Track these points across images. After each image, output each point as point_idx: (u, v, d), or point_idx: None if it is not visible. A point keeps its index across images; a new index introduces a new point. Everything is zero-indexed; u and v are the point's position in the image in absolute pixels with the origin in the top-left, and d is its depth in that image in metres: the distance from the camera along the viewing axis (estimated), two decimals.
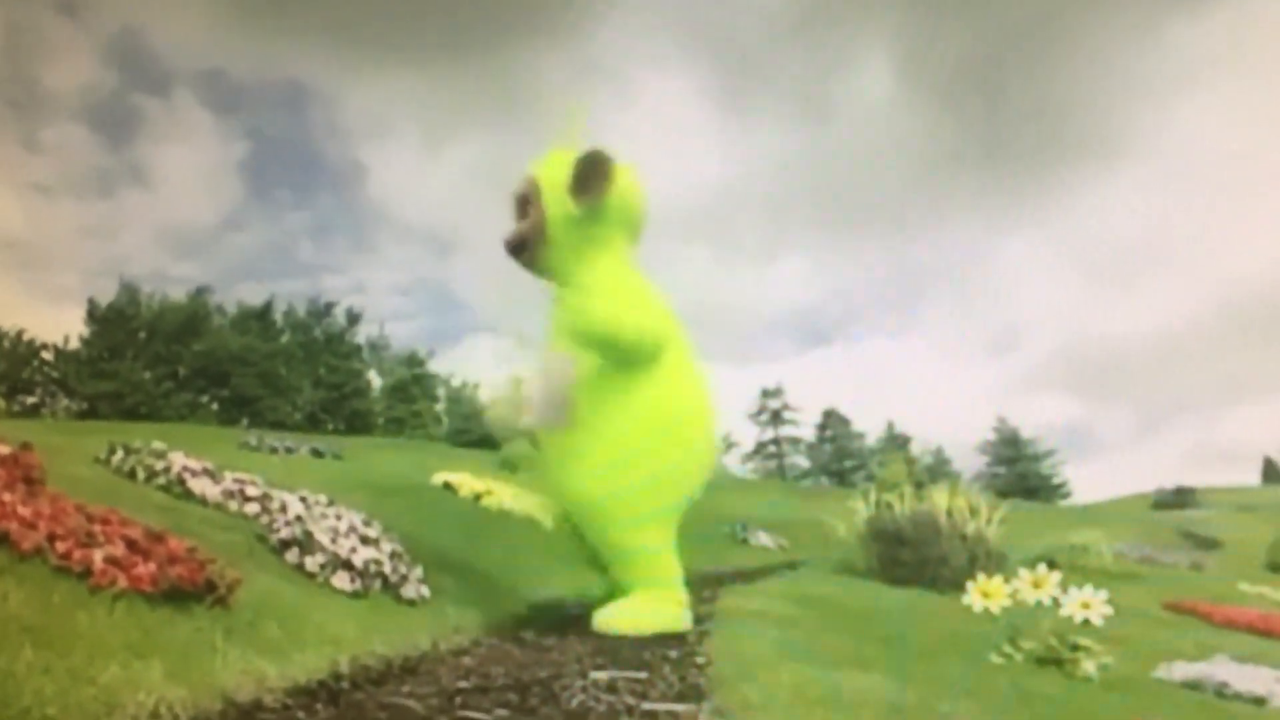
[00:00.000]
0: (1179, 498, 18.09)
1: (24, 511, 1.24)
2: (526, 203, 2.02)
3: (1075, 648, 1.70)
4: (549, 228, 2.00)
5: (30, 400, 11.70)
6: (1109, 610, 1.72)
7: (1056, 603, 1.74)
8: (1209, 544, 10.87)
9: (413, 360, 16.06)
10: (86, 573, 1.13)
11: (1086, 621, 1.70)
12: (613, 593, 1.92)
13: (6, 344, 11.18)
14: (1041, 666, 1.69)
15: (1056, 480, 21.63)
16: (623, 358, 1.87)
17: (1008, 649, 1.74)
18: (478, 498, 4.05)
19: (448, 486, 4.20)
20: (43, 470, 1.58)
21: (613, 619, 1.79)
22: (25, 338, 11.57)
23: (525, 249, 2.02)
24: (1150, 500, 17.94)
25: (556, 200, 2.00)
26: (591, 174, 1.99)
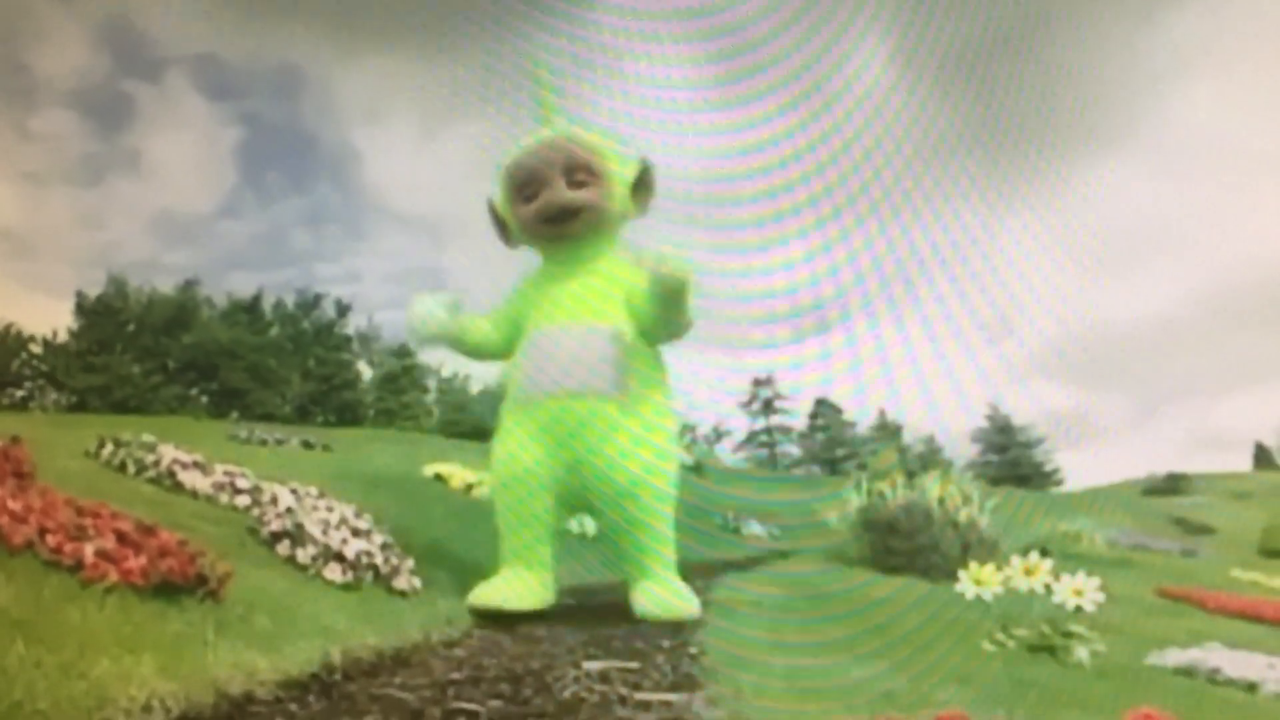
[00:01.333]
0: (1171, 484, 18.19)
1: (14, 505, 1.25)
2: (581, 170, 2.03)
3: (1067, 635, 1.75)
4: (607, 212, 2.06)
5: (19, 394, 11.80)
6: (1101, 597, 1.76)
7: (1049, 590, 1.79)
8: (1201, 530, 11.07)
9: (402, 351, 16.16)
10: (77, 566, 1.15)
11: (1079, 608, 1.74)
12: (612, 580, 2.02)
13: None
14: (1034, 654, 1.73)
15: (1049, 468, 21.89)
16: (670, 339, 1.96)
17: (1000, 636, 1.79)
18: (469, 489, 4.11)
19: (439, 478, 4.25)
20: (33, 464, 1.60)
21: (668, 605, 1.81)
22: (15, 330, 11.61)
23: (576, 219, 2.04)
24: (1142, 487, 18.03)
25: (621, 193, 2.07)
26: (651, 187, 2.09)
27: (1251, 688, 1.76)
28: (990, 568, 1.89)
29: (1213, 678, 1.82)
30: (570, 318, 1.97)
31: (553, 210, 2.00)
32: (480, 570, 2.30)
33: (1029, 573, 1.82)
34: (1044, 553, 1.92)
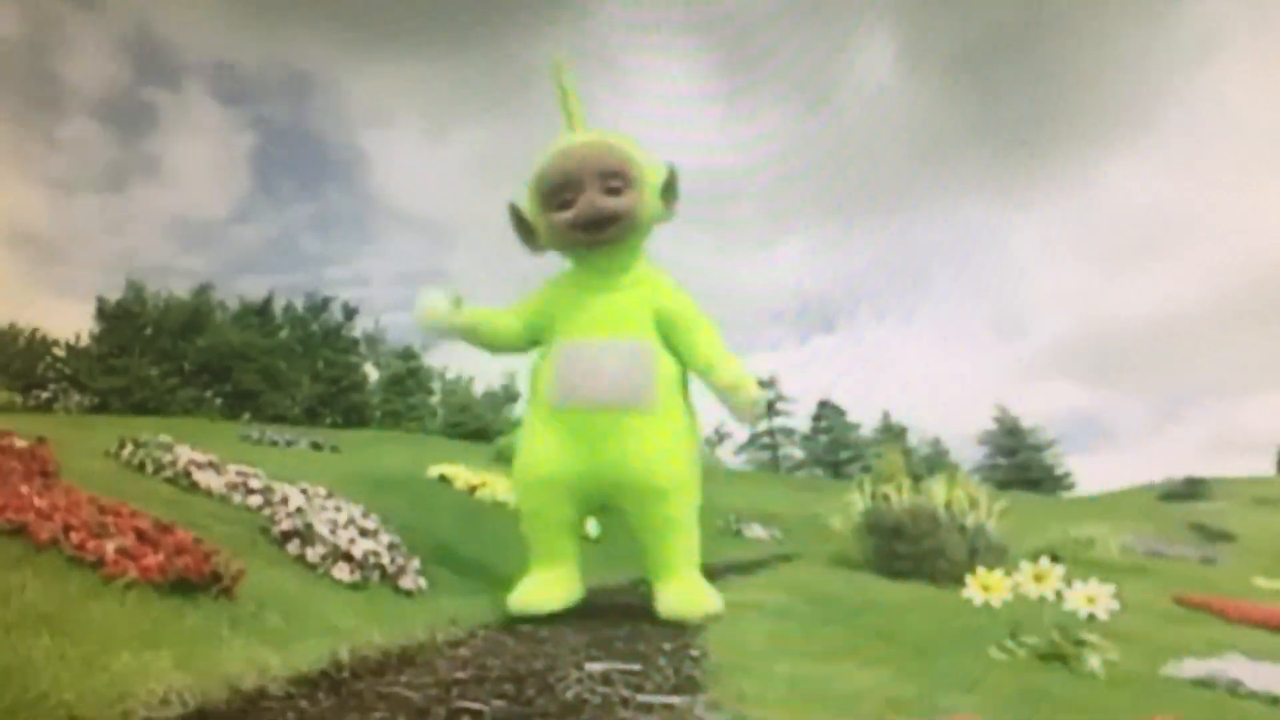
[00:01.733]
0: (1189, 489, 17.54)
1: (40, 503, 1.31)
2: (616, 176, 2.03)
3: (1080, 643, 1.70)
4: (640, 218, 2.06)
5: (45, 395, 12.19)
6: (1115, 605, 1.71)
7: (1060, 597, 1.74)
8: (1221, 537, 10.64)
9: (407, 354, 16.43)
10: (99, 563, 1.19)
11: (1091, 616, 1.70)
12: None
13: (22, 342, 11.76)
14: (1045, 662, 1.69)
15: (1059, 471, 21.26)
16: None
17: (1009, 644, 1.75)
18: (472, 490, 4.15)
19: (443, 479, 4.30)
20: (57, 463, 1.66)
21: (691, 604, 1.82)
22: (40, 335, 12.08)
23: (613, 226, 2.04)
24: (1158, 492, 17.35)
25: (652, 196, 2.08)
26: (677, 191, 2.10)
27: (1275, 701, 1.70)
28: (999, 573, 1.85)
29: (1234, 690, 1.76)
30: (605, 331, 1.98)
31: (588, 217, 1.99)
32: (485, 570, 2.32)
33: (1039, 579, 1.78)
34: (1054, 558, 1.87)
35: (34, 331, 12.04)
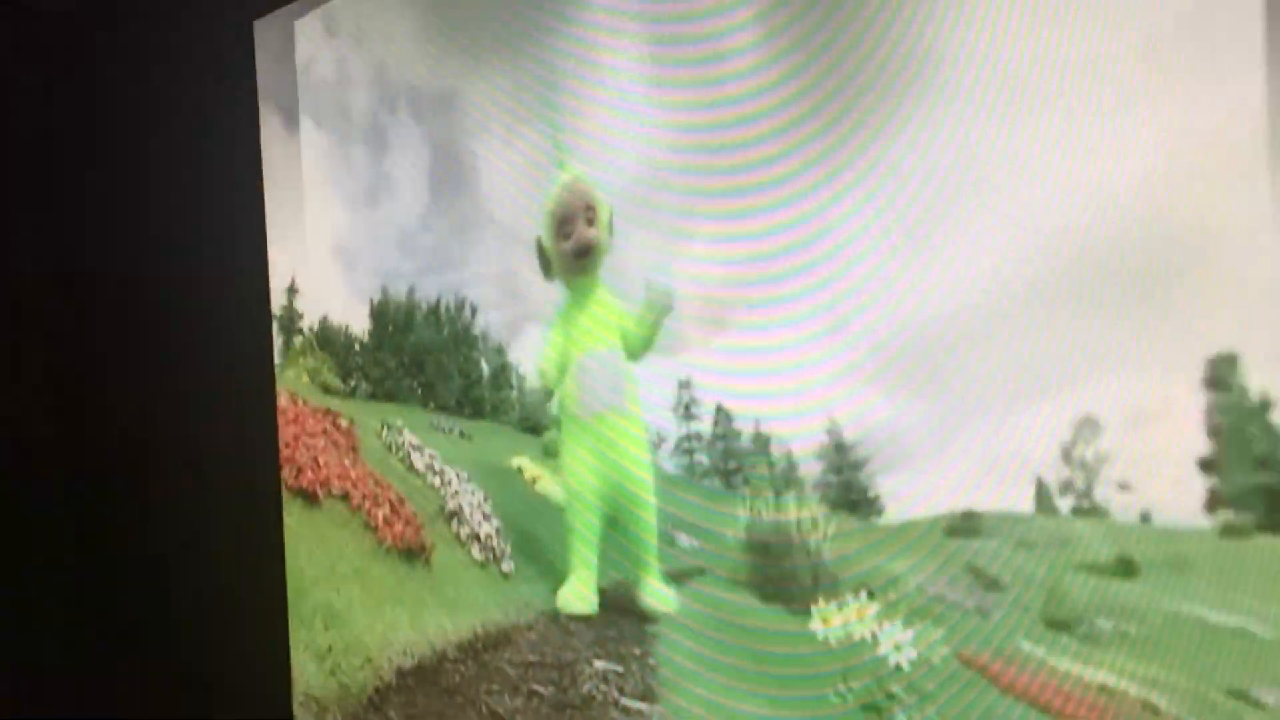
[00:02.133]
0: (966, 523, 9.40)
1: (352, 475, 1.48)
2: (591, 210, 2.01)
3: (890, 696, 1.33)
4: (606, 248, 2.01)
5: (351, 384, 14.51)
6: (913, 654, 1.24)
7: (875, 639, 1.36)
8: (992, 584, 6.16)
9: (500, 350, 16.64)
10: (375, 528, 1.39)
11: (898, 666, 1.31)
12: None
13: (343, 337, 14.26)
14: (865, 713, 1.34)
15: (872, 493, 13.95)
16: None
17: (842, 686, 1.39)
18: (534, 481, 4.24)
19: (518, 470, 4.43)
20: (355, 440, 1.75)
21: (667, 598, 1.89)
22: (348, 330, 14.26)
23: (590, 255, 2.04)
24: (945, 524, 9.99)
25: (605, 230, 2.00)
26: (611, 224, 2.00)
27: None
28: (834, 605, 1.47)
29: None
30: (599, 344, 1.93)
31: (579, 246, 1.97)
32: (543, 559, 2.23)
33: (859, 617, 1.37)
34: (871, 595, 1.41)
35: (346, 328, 14.54)
